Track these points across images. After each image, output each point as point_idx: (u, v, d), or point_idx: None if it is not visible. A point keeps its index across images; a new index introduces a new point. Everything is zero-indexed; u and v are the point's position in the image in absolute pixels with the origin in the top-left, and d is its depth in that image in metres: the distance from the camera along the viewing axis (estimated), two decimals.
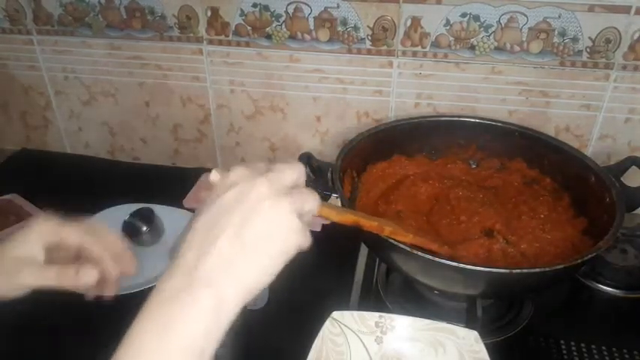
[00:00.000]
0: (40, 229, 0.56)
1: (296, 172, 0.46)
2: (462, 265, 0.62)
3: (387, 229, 0.62)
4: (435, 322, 0.66)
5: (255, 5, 0.95)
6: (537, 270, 0.65)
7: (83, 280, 0.54)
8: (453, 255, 0.71)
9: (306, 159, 0.80)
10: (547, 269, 0.64)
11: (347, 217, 0.56)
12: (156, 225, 0.95)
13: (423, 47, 0.93)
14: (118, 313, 0.80)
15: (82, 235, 0.57)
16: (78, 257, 0.57)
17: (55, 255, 0.56)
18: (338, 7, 0.92)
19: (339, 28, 0.94)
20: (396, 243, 0.64)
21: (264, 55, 1.00)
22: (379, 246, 0.69)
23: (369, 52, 0.95)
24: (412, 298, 0.81)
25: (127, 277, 0.85)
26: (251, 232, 0.41)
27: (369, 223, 0.59)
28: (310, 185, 0.77)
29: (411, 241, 0.65)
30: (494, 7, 0.87)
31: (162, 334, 0.39)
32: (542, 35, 0.88)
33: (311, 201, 0.46)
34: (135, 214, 0.95)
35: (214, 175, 0.45)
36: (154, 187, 1.06)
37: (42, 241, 0.55)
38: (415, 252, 0.64)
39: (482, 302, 0.73)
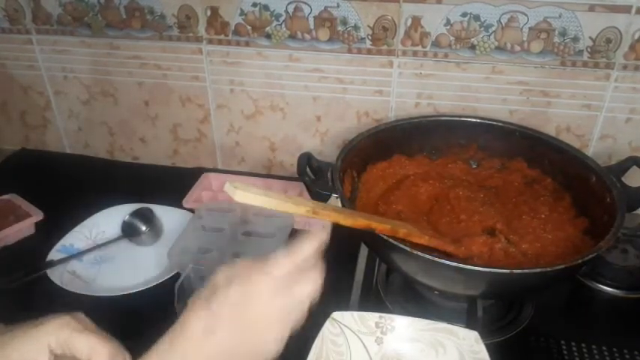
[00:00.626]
0: (51, 334, 0.49)
1: (315, 244, 0.50)
2: (462, 265, 0.62)
3: (401, 231, 0.62)
4: (435, 322, 0.66)
5: (254, 5, 0.95)
6: (538, 270, 0.65)
7: None
8: (468, 256, 0.71)
9: (306, 159, 0.80)
10: (548, 269, 0.64)
11: (359, 222, 0.56)
12: (155, 225, 0.95)
13: (423, 47, 0.93)
14: (118, 313, 0.80)
15: (90, 349, 0.50)
16: None
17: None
18: (338, 6, 0.92)
19: (339, 28, 0.94)
20: (396, 243, 0.64)
21: (264, 55, 1.00)
22: (379, 246, 0.69)
23: (369, 51, 0.95)
24: (412, 298, 0.81)
25: (127, 277, 0.86)
26: (249, 331, 0.47)
27: (382, 227, 0.59)
28: (310, 185, 0.78)
29: (428, 242, 0.65)
30: (495, 6, 0.87)
31: None
32: (543, 35, 0.87)
33: (310, 289, 0.49)
34: (134, 214, 0.95)
35: (219, 276, 0.49)
36: (153, 187, 1.06)
37: (51, 348, 0.49)
38: (415, 252, 0.63)
39: (483, 302, 0.73)
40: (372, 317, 0.66)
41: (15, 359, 0.48)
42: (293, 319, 0.48)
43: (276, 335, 0.48)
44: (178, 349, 0.47)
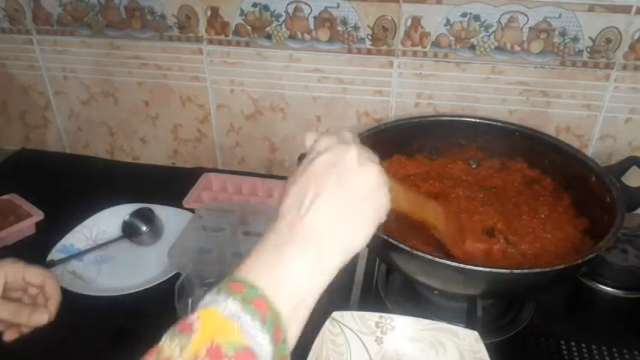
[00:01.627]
0: (7, 266, 0.62)
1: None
2: (462, 265, 0.62)
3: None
4: (435, 322, 0.66)
5: (255, 5, 0.95)
6: (538, 270, 0.65)
7: (36, 320, 0.60)
8: (468, 257, 0.71)
9: None
10: (547, 269, 0.64)
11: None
12: (156, 225, 0.95)
13: (423, 47, 0.93)
14: (118, 313, 0.81)
15: (43, 276, 0.64)
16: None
17: (7, 294, 0.62)
18: (338, 6, 0.92)
19: (339, 28, 0.94)
20: (396, 243, 0.64)
21: (264, 55, 1.00)
22: (379, 246, 0.69)
23: (369, 51, 0.95)
24: (412, 298, 0.81)
25: (127, 277, 0.86)
26: (348, 194, 0.43)
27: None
28: None
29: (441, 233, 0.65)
30: (495, 6, 0.87)
31: (270, 273, 0.40)
32: (543, 35, 0.88)
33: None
34: (135, 214, 0.95)
35: (309, 139, 0.48)
36: (153, 187, 1.06)
37: (5, 277, 0.61)
38: (415, 252, 0.63)
39: (483, 302, 0.73)
40: (372, 317, 0.66)
41: None
42: (379, 201, 0.46)
43: (372, 208, 0.45)
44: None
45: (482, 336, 0.63)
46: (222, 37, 1.00)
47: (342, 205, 0.43)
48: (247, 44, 0.99)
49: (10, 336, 0.61)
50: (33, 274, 0.63)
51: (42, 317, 0.60)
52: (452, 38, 0.91)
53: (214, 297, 0.38)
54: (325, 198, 0.43)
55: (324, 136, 0.47)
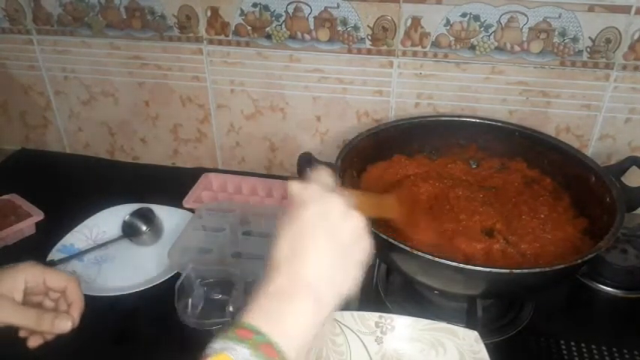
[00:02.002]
0: (27, 270, 0.60)
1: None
2: (462, 265, 0.62)
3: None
4: (435, 322, 0.66)
5: (255, 5, 0.95)
6: (537, 270, 0.65)
7: (58, 328, 0.59)
8: (467, 256, 0.71)
9: (306, 159, 0.80)
10: (547, 269, 0.64)
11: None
12: (156, 225, 0.95)
13: (423, 47, 0.93)
14: (118, 313, 0.81)
15: (65, 280, 0.62)
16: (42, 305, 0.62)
17: (28, 298, 0.60)
18: (338, 6, 0.92)
19: (339, 28, 0.94)
20: (396, 243, 0.64)
21: (264, 55, 1.00)
22: (379, 246, 0.69)
23: (369, 52, 0.95)
24: (412, 298, 0.81)
25: (127, 277, 0.86)
26: (337, 246, 0.47)
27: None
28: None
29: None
30: (495, 7, 0.87)
31: (275, 322, 0.43)
32: (543, 35, 0.88)
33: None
34: (135, 214, 0.95)
35: (294, 188, 0.49)
36: (153, 187, 1.06)
37: (26, 282, 0.59)
38: (415, 252, 0.63)
39: (483, 302, 0.73)
40: (372, 317, 0.66)
41: None
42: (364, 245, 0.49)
43: (359, 253, 0.48)
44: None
45: (483, 336, 0.63)
46: (222, 37, 1.00)
47: (334, 255, 0.46)
48: (247, 44, 1.00)
49: (34, 342, 0.60)
50: (54, 278, 0.61)
51: (65, 324, 0.59)
52: (452, 38, 0.91)
53: (225, 344, 0.41)
54: (318, 251, 0.46)
55: (308, 186, 0.49)
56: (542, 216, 0.80)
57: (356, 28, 0.93)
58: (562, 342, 0.75)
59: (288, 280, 0.45)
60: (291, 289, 0.45)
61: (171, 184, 1.08)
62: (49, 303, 0.62)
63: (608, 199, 0.74)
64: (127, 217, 0.95)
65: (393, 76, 0.97)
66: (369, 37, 0.94)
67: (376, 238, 0.64)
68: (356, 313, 0.66)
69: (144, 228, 0.94)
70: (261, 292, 0.45)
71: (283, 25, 0.96)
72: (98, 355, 0.75)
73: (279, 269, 0.46)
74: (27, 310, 0.58)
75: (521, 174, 0.89)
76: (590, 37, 0.86)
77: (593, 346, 0.75)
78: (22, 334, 0.60)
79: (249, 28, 0.98)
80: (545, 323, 0.78)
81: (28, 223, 0.95)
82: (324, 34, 0.95)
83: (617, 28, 0.85)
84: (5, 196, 1.00)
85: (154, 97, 1.10)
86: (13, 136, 1.23)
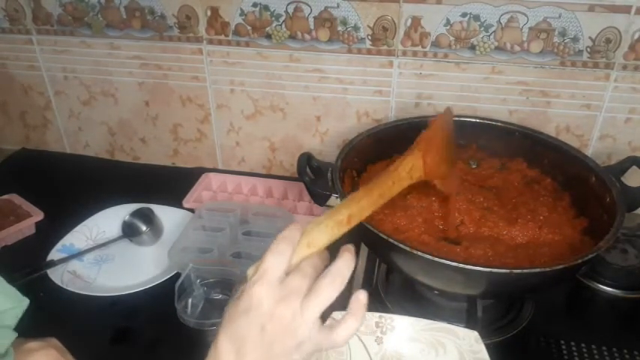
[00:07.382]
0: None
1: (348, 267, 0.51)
2: (462, 265, 0.62)
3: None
4: (435, 322, 0.66)
5: (255, 5, 0.95)
6: (537, 270, 0.65)
7: None
8: (467, 256, 0.71)
9: (306, 159, 0.80)
10: (547, 269, 0.64)
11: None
12: (155, 225, 0.95)
13: (423, 47, 0.93)
14: (118, 313, 0.81)
15: None
16: None
17: None
18: (338, 6, 0.92)
19: (339, 28, 0.94)
20: (396, 243, 0.64)
21: (264, 55, 1.00)
22: (379, 246, 0.69)
23: (369, 52, 0.95)
24: (412, 298, 0.81)
25: (127, 277, 0.86)
26: (269, 339, 0.47)
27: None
28: (310, 185, 0.78)
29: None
30: (495, 6, 0.87)
31: None
32: (543, 35, 0.88)
33: (327, 297, 0.50)
34: (134, 214, 0.95)
35: (250, 271, 0.49)
36: (153, 187, 1.06)
37: None
38: (415, 252, 0.63)
39: (483, 302, 0.73)
40: (372, 317, 0.66)
41: None
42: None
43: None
44: None
45: (483, 336, 0.63)
46: (222, 37, 1.00)
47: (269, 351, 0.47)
48: (247, 44, 0.99)
49: None
50: None
51: None
52: (452, 38, 0.91)
53: None
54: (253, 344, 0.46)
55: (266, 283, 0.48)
56: (542, 216, 0.80)
57: (356, 28, 0.93)
58: (562, 342, 0.75)
59: None
60: None
61: (171, 184, 1.08)
62: None
63: (608, 199, 0.74)
64: (126, 217, 0.95)
65: (393, 76, 0.97)
66: (369, 37, 0.94)
67: (376, 238, 0.65)
68: None
69: (144, 228, 0.94)
70: None
71: (283, 25, 0.96)
72: (98, 355, 0.74)
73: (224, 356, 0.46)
74: None
75: (522, 174, 0.88)
76: (590, 37, 0.86)
77: (593, 346, 0.75)
78: None
79: (249, 28, 0.98)
80: (545, 323, 0.78)
81: (28, 223, 0.95)
82: (324, 34, 0.95)
83: (617, 28, 0.85)
84: (5, 196, 1.00)
85: (153, 97, 1.10)
86: (13, 136, 1.23)
